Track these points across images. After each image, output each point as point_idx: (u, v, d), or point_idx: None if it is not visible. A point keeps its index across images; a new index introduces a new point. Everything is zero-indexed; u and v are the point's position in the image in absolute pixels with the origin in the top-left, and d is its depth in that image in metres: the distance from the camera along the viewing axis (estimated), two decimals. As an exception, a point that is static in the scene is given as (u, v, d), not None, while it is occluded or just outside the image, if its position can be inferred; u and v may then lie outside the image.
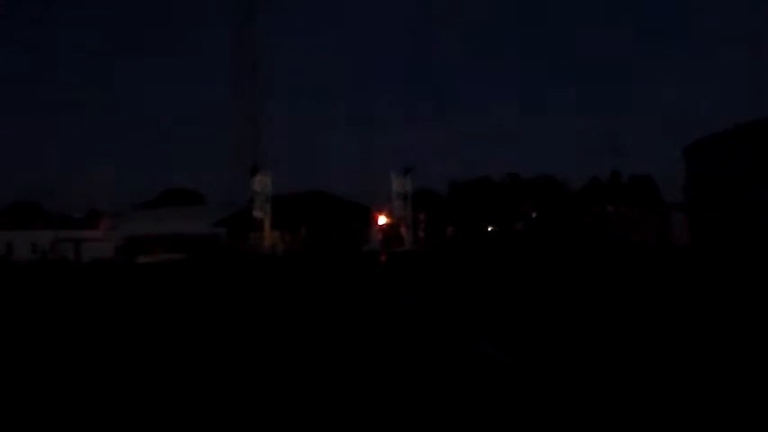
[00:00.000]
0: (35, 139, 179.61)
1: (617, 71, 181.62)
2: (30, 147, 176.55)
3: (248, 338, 10.58)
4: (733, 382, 6.98)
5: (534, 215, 78.74)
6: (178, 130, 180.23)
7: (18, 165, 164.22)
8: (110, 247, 64.79)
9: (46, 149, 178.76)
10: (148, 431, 6.12)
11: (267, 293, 19.17)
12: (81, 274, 36.26)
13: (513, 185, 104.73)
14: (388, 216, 66.20)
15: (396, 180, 65.70)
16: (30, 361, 9.77)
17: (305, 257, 49.94)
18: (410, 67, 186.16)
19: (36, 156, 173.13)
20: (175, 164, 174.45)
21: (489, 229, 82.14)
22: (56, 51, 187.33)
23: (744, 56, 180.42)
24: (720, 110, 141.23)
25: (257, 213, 62.95)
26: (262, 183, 63.84)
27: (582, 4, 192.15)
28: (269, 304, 15.86)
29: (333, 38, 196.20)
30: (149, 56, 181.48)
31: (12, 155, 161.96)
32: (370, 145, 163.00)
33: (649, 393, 6.63)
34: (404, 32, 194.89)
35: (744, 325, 10.32)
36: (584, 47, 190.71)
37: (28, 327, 13.80)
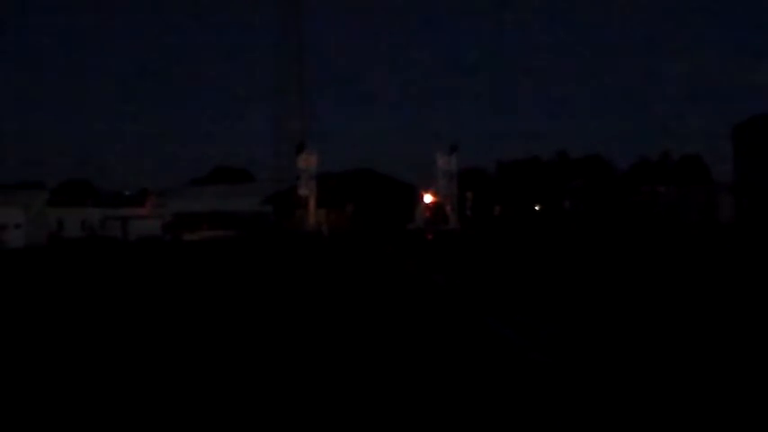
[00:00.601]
0: (87, 117, 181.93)
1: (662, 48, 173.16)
2: (82, 124, 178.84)
3: (289, 322, 11.26)
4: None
5: (583, 194, 78.16)
6: (229, 108, 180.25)
7: (70, 142, 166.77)
8: (157, 225, 65.65)
9: (98, 127, 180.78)
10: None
11: (310, 272, 19.83)
12: (124, 251, 37.06)
13: (562, 165, 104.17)
14: (433, 195, 66.15)
15: (441, 158, 65.87)
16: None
17: (350, 235, 50.96)
18: (456, 44, 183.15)
19: (88, 133, 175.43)
20: (225, 141, 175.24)
21: (537, 208, 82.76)
22: (107, 31, 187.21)
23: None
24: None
25: (303, 191, 62.67)
26: (307, 161, 63.24)
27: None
28: (310, 283, 16.47)
29: (378, 17, 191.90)
30: (200, 33, 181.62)
31: (64, 133, 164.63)
32: (417, 123, 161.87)
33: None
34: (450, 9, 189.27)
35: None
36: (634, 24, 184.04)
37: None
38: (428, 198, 65.93)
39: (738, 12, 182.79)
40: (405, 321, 10.46)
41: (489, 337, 8.90)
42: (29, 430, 6.05)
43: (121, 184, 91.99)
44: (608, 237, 33.16)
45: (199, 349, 9.12)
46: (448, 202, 65.06)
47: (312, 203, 63.07)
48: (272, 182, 77.19)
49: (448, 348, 8.36)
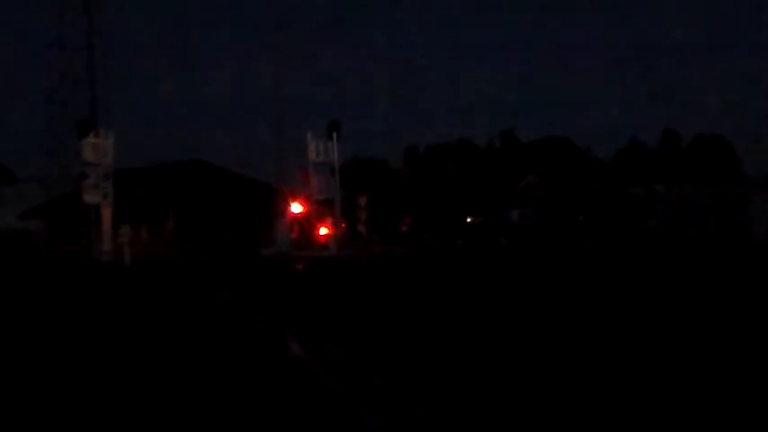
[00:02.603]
0: None
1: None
2: None
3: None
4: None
5: (540, 198, 78.06)
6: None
7: None
8: None
9: None
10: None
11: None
12: None
13: (508, 152, 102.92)
14: (304, 202, 63.38)
15: (314, 144, 62.15)
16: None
17: (167, 267, 46.84)
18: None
19: None
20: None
21: (468, 220, 78.69)
22: None
23: None
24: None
25: (90, 197, 58.80)
26: (98, 149, 59.01)
27: None
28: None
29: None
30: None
31: None
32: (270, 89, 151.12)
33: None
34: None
35: None
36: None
37: None
38: (296, 207, 63.68)
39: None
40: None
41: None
42: None
43: None
44: (574, 274, 30.56)
45: None
46: (326, 212, 63.29)
47: (107, 215, 59.36)
48: (41, 184, 73.61)
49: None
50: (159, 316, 21.16)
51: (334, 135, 62.59)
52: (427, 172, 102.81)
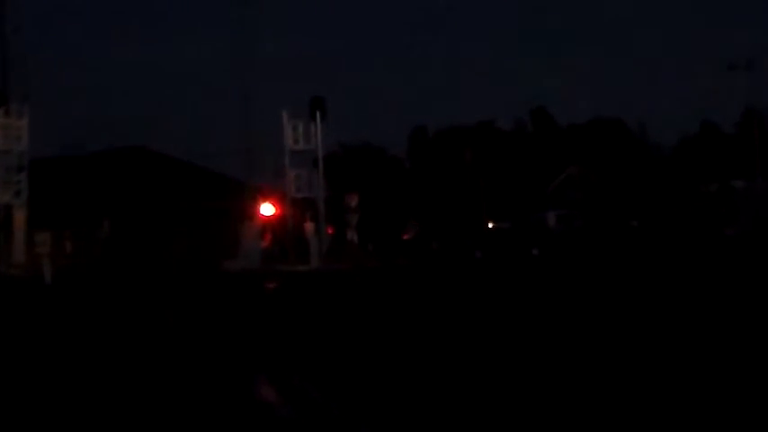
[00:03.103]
0: None
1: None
2: None
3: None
4: None
5: (581, 197, 75.08)
6: None
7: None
8: None
9: None
10: None
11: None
12: None
13: (541, 137, 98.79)
14: (277, 202, 61.71)
15: (291, 127, 58.82)
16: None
17: (99, 287, 42.70)
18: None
19: None
20: None
21: (491, 225, 76.40)
22: None
23: None
24: None
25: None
26: (8, 131, 56.19)
27: None
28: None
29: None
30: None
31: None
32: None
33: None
34: None
35: None
36: None
37: None
38: (267, 209, 61.41)
39: None
40: None
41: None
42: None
43: None
44: (632, 301, 25.80)
45: None
46: (306, 215, 60.04)
47: (20, 219, 56.90)
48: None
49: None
50: (80, 355, 19.61)
51: (317, 115, 58.84)
52: (437, 163, 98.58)
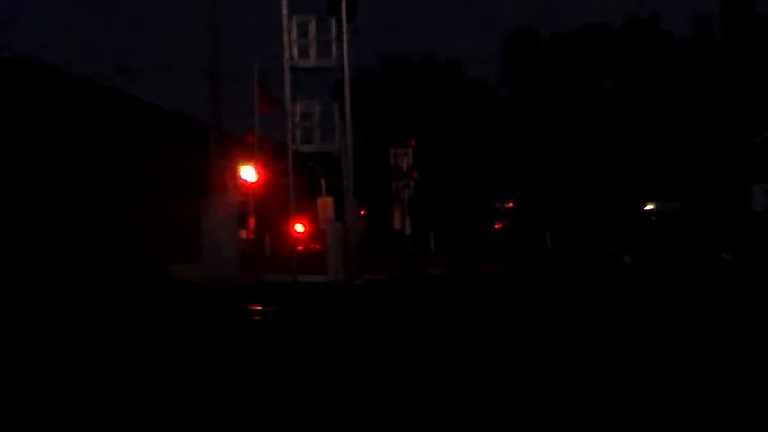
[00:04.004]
0: None
1: None
2: None
3: None
4: None
5: None
6: None
7: None
8: None
9: None
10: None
11: None
12: None
13: (740, 49, 78.37)
14: (269, 160, 47.19)
15: (295, 26, 43.85)
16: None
17: None
18: None
19: None
20: None
21: (647, 207, 58.33)
22: None
23: None
24: None
25: None
26: None
27: None
28: None
29: None
30: None
31: None
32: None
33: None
34: None
35: None
36: None
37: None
38: (249, 173, 46.46)
39: None
40: None
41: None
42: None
43: None
44: None
45: None
46: (320, 184, 46.11)
47: None
48: None
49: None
50: None
51: (342, 5, 43.65)
52: (552, 95, 78.80)
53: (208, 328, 25.49)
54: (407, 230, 52.17)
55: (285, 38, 42.47)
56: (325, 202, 43.98)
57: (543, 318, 26.00)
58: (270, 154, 46.40)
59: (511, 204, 66.53)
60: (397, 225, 52.50)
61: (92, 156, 51.77)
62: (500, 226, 65.23)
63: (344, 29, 43.14)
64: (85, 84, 54.77)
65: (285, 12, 42.66)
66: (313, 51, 43.00)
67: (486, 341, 21.23)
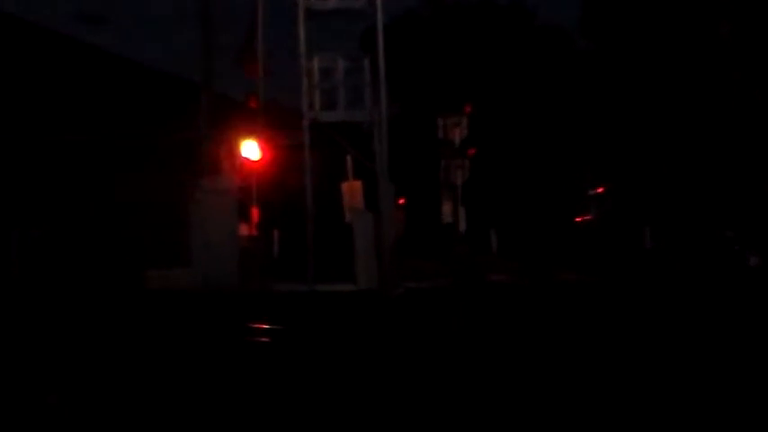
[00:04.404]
0: None
1: None
2: None
3: None
4: None
5: None
6: None
7: None
8: None
9: None
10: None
11: None
12: None
13: None
14: (276, 132, 41.05)
15: None
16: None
17: None
18: None
19: None
20: None
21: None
22: None
23: None
24: None
25: None
26: None
27: None
28: None
29: None
30: None
31: None
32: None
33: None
34: None
35: None
36: None
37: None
38: (252, 150, 39.86)
39: None
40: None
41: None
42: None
43: None
44: None
45: None
46: (345, 163, 39.05)
47: None
48: None
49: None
50: None
51: None
52: (650, 45, 67.89)
53: (182, 360, 19.11)
54: (461, 225, 42.61)
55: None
56: (353, 187, 36.92)
57: (645, 342, 20.72)
58: (279, 124, 39.33)
59: (602, 190, 56.08)
60: (446, 218, 42.47)
61: (43, 126, 42.65)
62: (584, 219, 56.40)
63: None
64: (34, 30, 44.77)
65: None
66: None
67: (577, 379, 16.42)
